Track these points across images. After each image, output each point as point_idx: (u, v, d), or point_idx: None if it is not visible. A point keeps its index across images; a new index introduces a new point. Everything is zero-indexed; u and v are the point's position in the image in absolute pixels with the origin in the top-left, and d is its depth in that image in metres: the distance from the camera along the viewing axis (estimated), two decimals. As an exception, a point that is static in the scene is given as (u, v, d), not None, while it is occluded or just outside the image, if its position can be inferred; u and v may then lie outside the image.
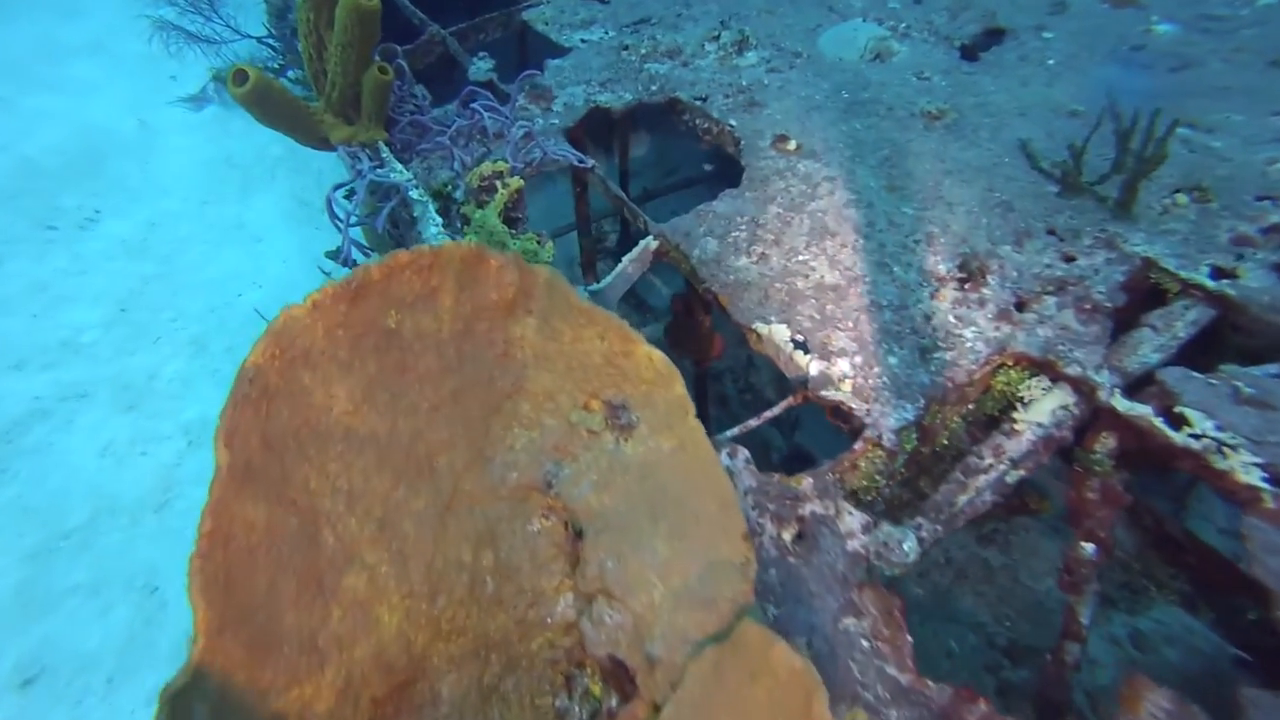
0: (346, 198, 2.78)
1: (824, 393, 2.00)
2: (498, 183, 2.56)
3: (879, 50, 3.44)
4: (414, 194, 2.53)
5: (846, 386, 2.00)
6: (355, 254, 2.71)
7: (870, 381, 2.01)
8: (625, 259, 2.53)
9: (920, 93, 3.16)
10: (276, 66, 5.61)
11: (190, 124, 5.33)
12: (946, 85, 3.19)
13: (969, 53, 3.44)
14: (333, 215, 2.73)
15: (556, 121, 3.17)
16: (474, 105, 2.97)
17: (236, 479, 1.11)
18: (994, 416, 2.12)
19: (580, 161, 2.88)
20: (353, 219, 2.68)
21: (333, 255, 3.14)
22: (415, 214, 2.57)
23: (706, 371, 3.48)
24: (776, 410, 2.21)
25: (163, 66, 5.85)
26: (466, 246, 1.45)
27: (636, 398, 1.60)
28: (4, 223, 4.29)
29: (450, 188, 2.66)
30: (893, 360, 2.06)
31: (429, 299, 1.42)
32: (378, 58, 2.78)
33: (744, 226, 2.59)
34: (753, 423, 2.19)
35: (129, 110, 5.42)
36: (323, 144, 2.92)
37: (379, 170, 2.70)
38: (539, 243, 2.44)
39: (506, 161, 2.68)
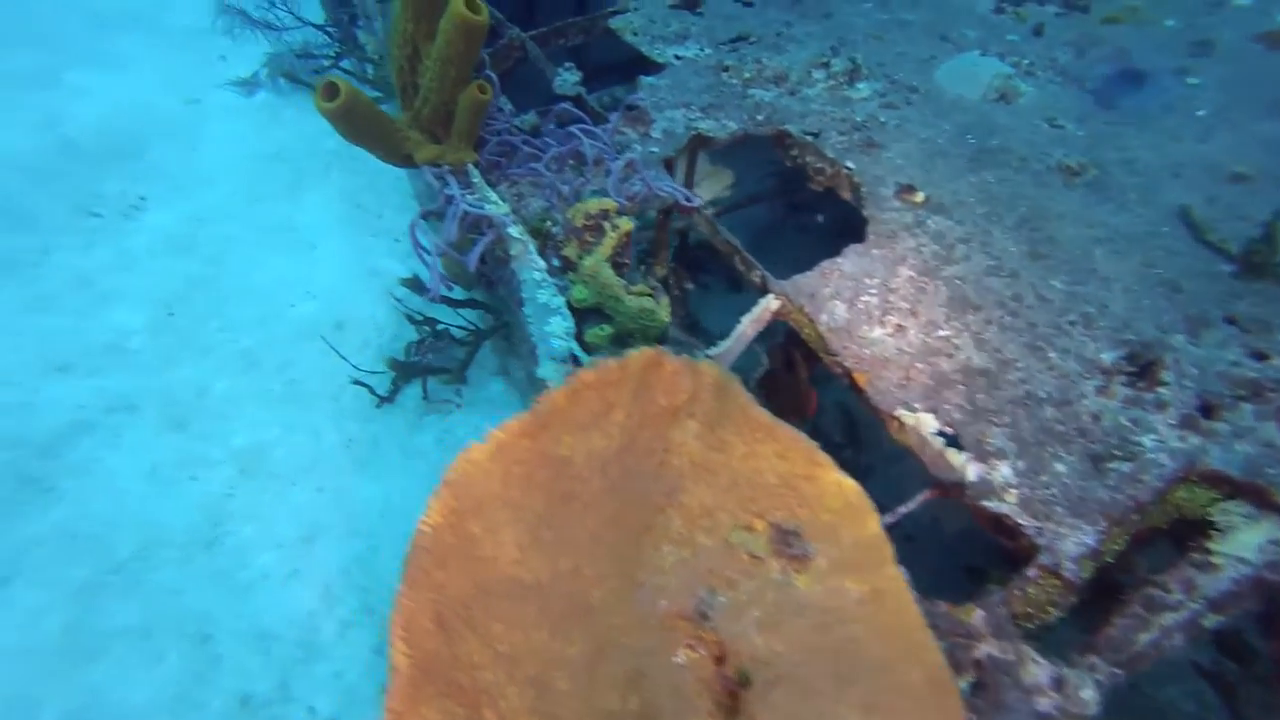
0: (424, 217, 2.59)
1: (985, 503, 1.80)
2: (605, 224, 2.36)
3: (1003, 90, 3.21)
4: (513, 231, 2.34)
5: (1012, 497, 1.80)
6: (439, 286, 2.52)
7: (1038, 493, 1.80)
8: (744, 319, 2.33)
9: (1054, 143, 2.93)
10: (332, 54, 5.43)
11: (240, 110, 5.15)
12: (1083, 135, 2.95)
13: (1103, 97, 3.19)
14: (417, 245, 2.54)
15: (656, 150, 2.96)
16: (573, 129, 2.76)
17: (413, 686, 0.93)
18: (1168, 532, 1.91)
19: (687, 200, 2.67)
20: (438, 251, 2.49)
21: (413, 286, 2.95)
22: (512, 252, 2.37)
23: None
24: (912, 505, 2.01)
25: (212, 45, 5.68)
26: (647, 354, 1.26)
27: (815, 527, 1.40)
28: (46, 208, 4.13)
29: (550, 224, 2.46)
30: (1061, 468, 1.85)
31: (604, 416, 1.22)
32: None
33: (874, 290, 2.38)
34: (887, 519, 1.99)
35: (175, 90, 5.24)
36: (404, 161, 2.73)
37: (471, 198, 2.51)
38: (654, 298, 2.24)
39: (612, 199, 2.48)
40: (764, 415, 1.35)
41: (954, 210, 2.64)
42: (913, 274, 2.42)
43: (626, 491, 1.35)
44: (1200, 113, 3.00)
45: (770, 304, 2.39)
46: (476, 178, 2.59)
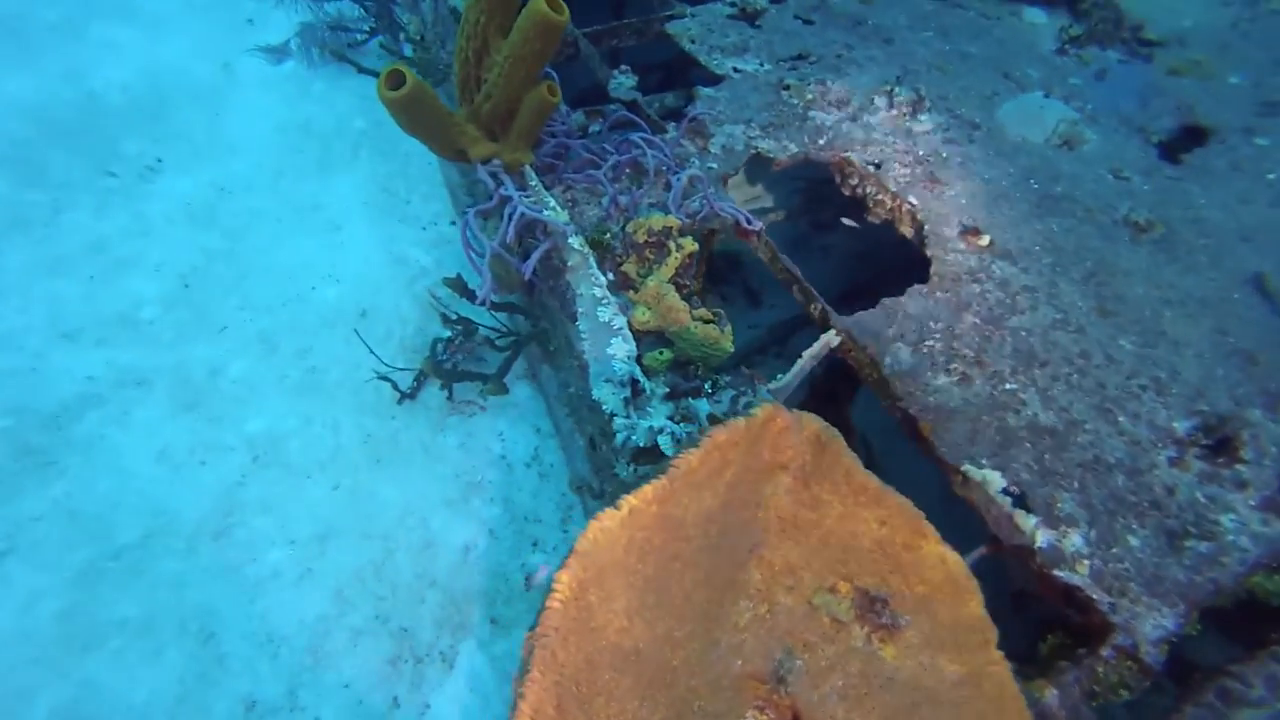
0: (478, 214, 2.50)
1: (1057, 572, 1.74)
2: (669, 243, 2.29)
3: (1068, 136, 3.17)
4: (574, 241, 2.26)
5: (1083, 569, 1.75)
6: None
7: (1111, 566, 1.75)
8: (805, 354, 2.26)
9: (1120, 195, 2.89)
10: (366, 30, 5.32)
11: (267, 78, 5.02)
12: (1150, 190, 2.92)
13: (1169, 151, 3.16)
14: (469, 245, 2.46)
15: (715, 166, 2.89)
16: (634, 137, 2.69)
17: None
18: (1240, 614, 1.86)
19: (749, 222, 2.60)
20: (491, 253, 2.40)
21: (455, 286, 2.86)
22: (569, 263, 2.30)
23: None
24: (968, 561, 1.96)
25: (240, 6, 5.55)
26: (766, 411, 1.19)
27: (908, 598, 1.34)
28: (64, 164, 4.00)
29: (609, 236, 2.38)
30: (1134, 541, 1.80)
31: (718, 474, 1.15)
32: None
33: (939, 335, 2.32)
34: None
35: (200, 52, 5.10)
36: (457, 156, 2.63)
37: (529, 201, 2.43)
38: (717, 322, 2.17)
39: (674, 215, 2.41)
40: (871, 480, 1.29)
41: (1019, 258, 2.59)
42: (978, 321, 2.37)
43: (720, 549, 1.28)
44: (1271, 176, 2.97)
45: (831, 340, 2.32)
46: (534, 180, 2.51)
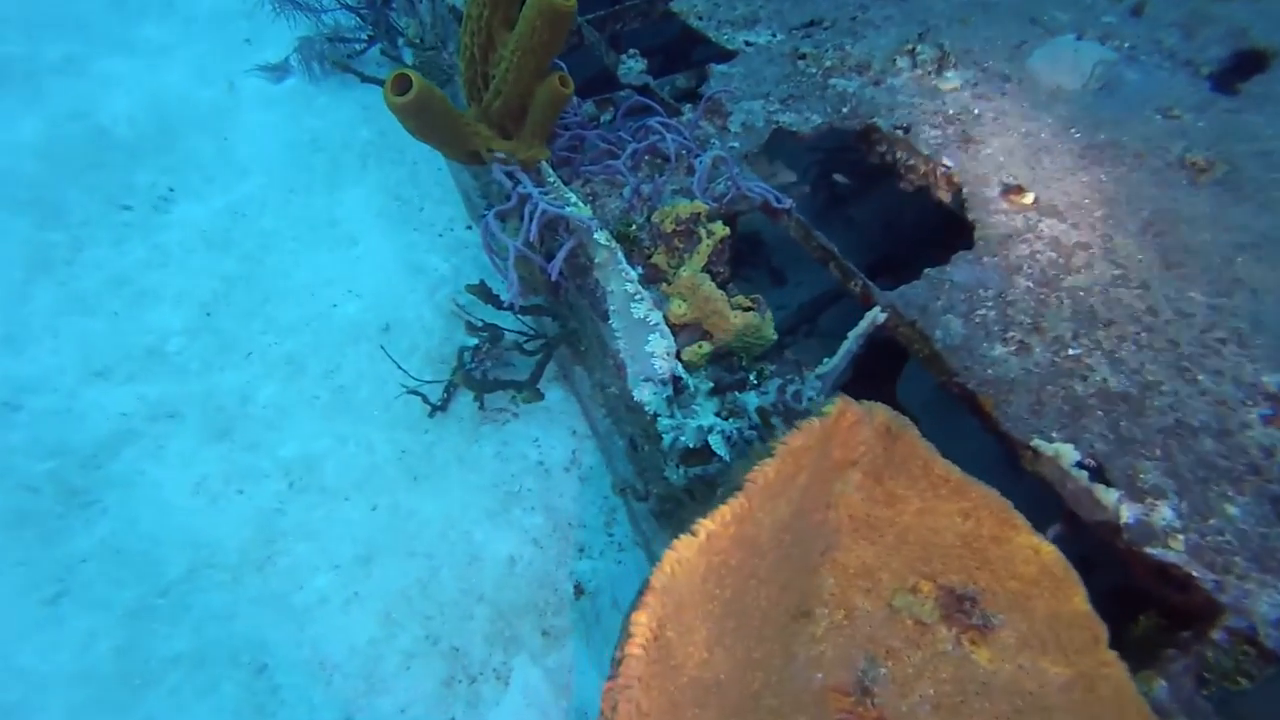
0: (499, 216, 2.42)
1: (1149, 549, 1.62)
2: (698, 229, 2.19)
3: (1106, 78, 2.99)
4: (599, 237, 2.17)
5: (1178, 544, 1.62)
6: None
7: (1211, 539, 1.63)
8: (851, 335, 2.15)
9: (1173, 135, 2.71)
10: (364, 38, 5.26)
11: (270, 97, 5.00)
12: (1205, 126, 2.74)
13: (1222, 82, 2.96)
14: (490, 248, 2.38)
15: (736, 145, 2.78)
16: (651, 121, 2.59)
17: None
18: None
19: (778, 201, 2.49)
20: (515, 254, 2.32)
21: (479, 293, 2.80)
22: (596, 260, 2.21)
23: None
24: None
25: (235, 27, 5.53)
26: (837, 406, 1.09)
27: (999, 595, 1.24)
28: (80, 202, 4.02)
29: (636, 229, 2.29)
30: (1234, 511, 1.67)
31: (791, 481, 1.06)
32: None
33: (990, 303, 2.20)
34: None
35: (202, 77, 5.10)
36: (470, 158, 2.56)
37: (549, 198, 2.34)
38: (757, 309, 2.07)
39: (699, 200, 2.31)
40: (952, 470, 1.19)
41: (1068, 213, 2.44)
42: (1031, 285, 2.24)
43: (794, 559, 1.19)
44: (1336, 101, 2.76)
45: (877, 317, 2.20)
46: (552, 177, 2.42)
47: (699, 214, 2.23)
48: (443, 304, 3.66)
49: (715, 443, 1.69)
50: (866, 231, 4.78)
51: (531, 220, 2.22)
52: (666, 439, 1.78)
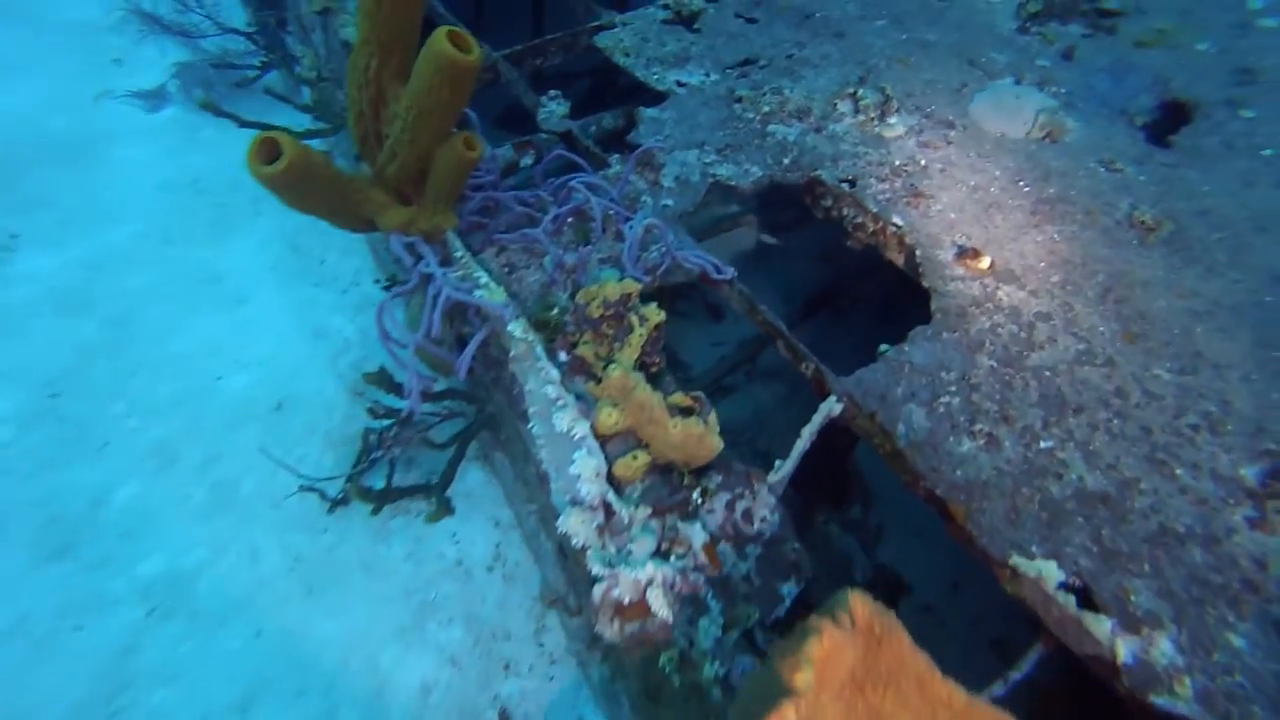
0: (386, 286, 2.10)
1: (1155, 699, 1.45)
2: (633, 316, 1.93)
3: (1050, 126, 2.93)
4: (515, 328, 1.88)
5: (1184, 689, 1.46)
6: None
7: (1220, 681, 1.47)
8: (805, 432, 1.93)
9: (1117, 190, 2.65)
10: (258, 65, 4.80)
11: (145, 128, 4.47)
12: (1146, 181, 2.69)
13: (1156, 133, 2.95)
14: (387, 337, 2.06)
15: (670, 204, 2.55)
16: (574, 181, 2.32)
17: None
18: None
19: (718, 271, 2.27)
20: (405, 347, 2.01)
21: (378, 382, 2.45)
22: (512, 353, 1.92)
23: (844, 517, 2.94)
24: (1027, 668, 1.67)
25: (102, 43, 4.97)
26: (820, 641, 0.84)
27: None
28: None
29: (557, 313, 2.01)
30: (1237, 641, 1.53)
31: None
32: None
33: (954, 388, 2.03)
34: (998, 690, 1.64)
35: (61, 101, 4.52)
36: (365, 227, 2.23)
37: (455, 277, 2.04)
38: (698, 411, 1.82)
39: (630, 275, 2.06)
40: (954, 691, 0.95)
41: (1025, 278, 2.32)
42: (994, 364, 2.08)
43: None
44: (1267, 152, 2.77)
45: (833, 409, 2.00)
46: (460, 250, 2.12)
47: (629, 295, 1.97)
48: (346, 374, 3.27)
49: (654, 599, 1.43)
50: (802, 264, 4.67)
51: (434, 307, 1.92)
52: (596, 590, 1.50)
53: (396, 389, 2.44)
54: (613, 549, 1.64)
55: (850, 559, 3.56)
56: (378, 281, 3.71)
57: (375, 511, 2.05)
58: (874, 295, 4.34)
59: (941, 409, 1.98)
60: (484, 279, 2.01)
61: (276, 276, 3.68)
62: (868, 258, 4.05)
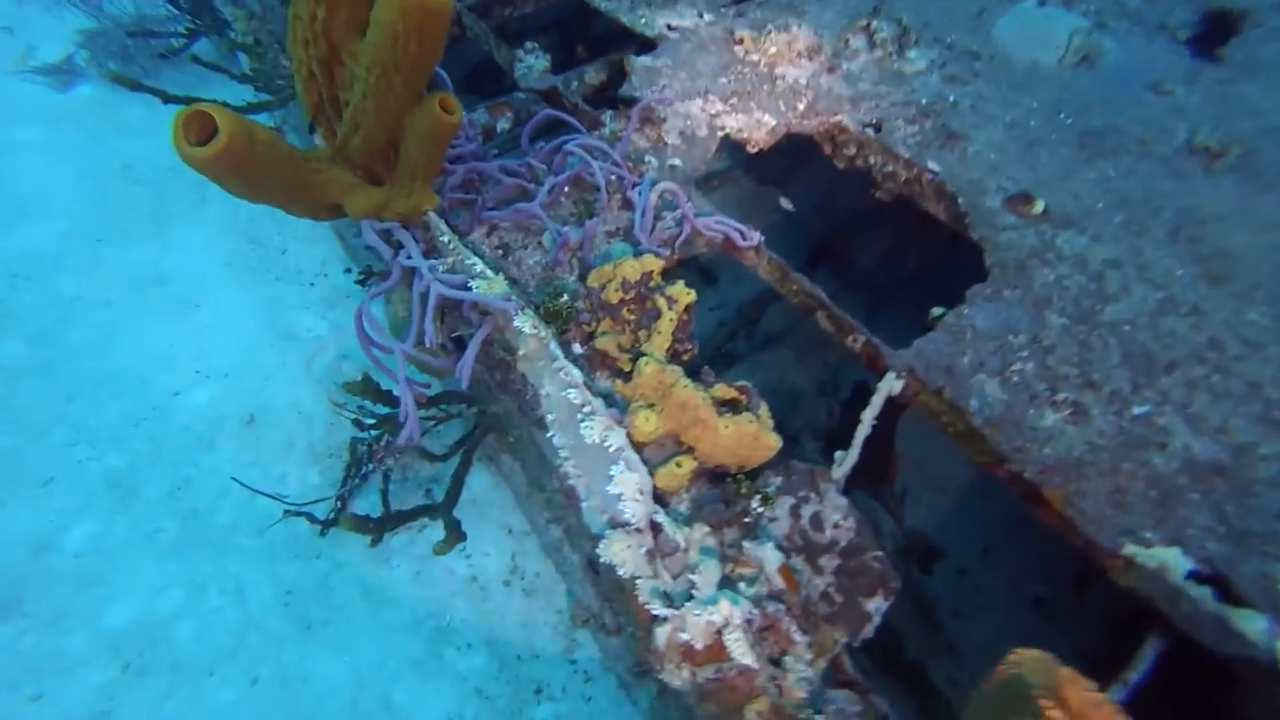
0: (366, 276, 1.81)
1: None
2: (658, 298, 1.66)
3: (1085, 49, 2.66)
4: (522, 323, 1.60)
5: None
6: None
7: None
8: (865, 417, 1.70)
9: (1170, 114, 2.41)
10: (184, 32, 4.31)
11: (54, 111, 3.98)
12: (1200, 102, 2.45)
13: (1202, 48, 2.70)
14: (369, 342, 1.77)
15: (678, 163, 2.26)
16: (570, 144, 2.02)
17: None
18: None
19: (744, 238, 2.00)
20: (391, 352, 1.73)
21: (362, 391, 2.15)
22: (521, 351, 1.64)
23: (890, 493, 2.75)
24: (1144, 669, 1.49)
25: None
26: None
27: None
28: None
29: (569, 303, 1.74)
30: (1395, 627, 1.34)
31: None
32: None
33: (1025, 353, 1.80)
34: (1117, 692, 1.46)
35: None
36: (330, 213, 1.92)
37: (442, 268, 1.75)
38: (746, 404, 1.58)
39: (654, 254, 1.78)
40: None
41: (1084, 221, 2.09)
42: (1066, 321, 1.86)
43: None
44: (1326, 63, 2.54)
45: (893, 387, 1.77)
46: (446, 234, 1.82)
47: (651, 273, 1.70)
48: (324, 378, 2.97)
49: (735, 644, 1.20)
50: (798, 217, 4.38)
51: (425, 310, 1.63)
52: (659, 632, 1.27)
53: (384, 397, 2.16)
54: (667, 576, 1.40)
55: (879, 527, 3.39)
56: (349, 271, 3.37)
57: (375, 543, 1.79)
58: (876, 248, 4.08)
59: (1015, 378, 1.75)
60: (479, 267, 1.72)
61: (232, 273, 3.33)
62: (867, 209, 3.81)
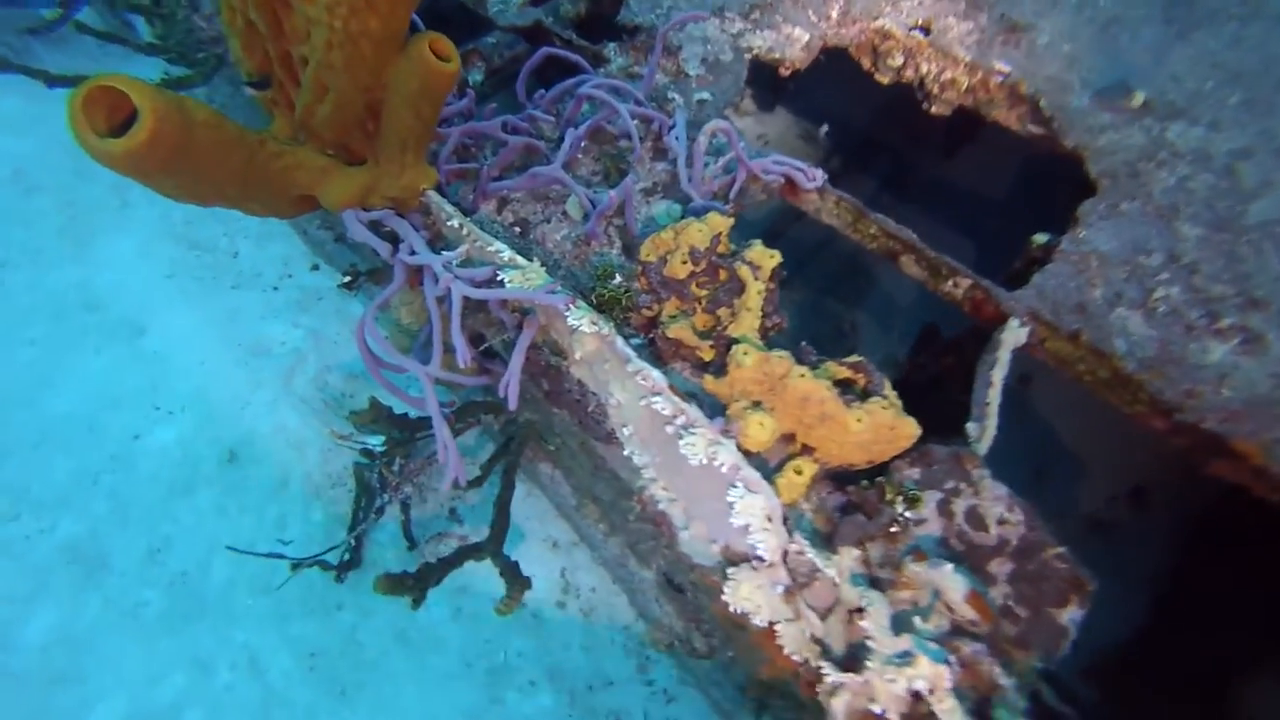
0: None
1: None
2: (739, 265, 1.35)
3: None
4: (578, 319, 1.28)
5: None
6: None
7: None
8: (995, 377, 1.43)
9: (1258, -26, 2.12)
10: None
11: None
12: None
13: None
14: (378, 363, 1.44)
15: (707, 96, 1.91)
16: (589, 86, 1.66)
17: None
18: None
19: (809, 178, 1.69)
20: (403, 370, 1.40)
21: (371, 418, 1.81)
22: (578, 354, 1.33)
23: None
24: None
25: None
26: None
27: None
28: None
29: (624, 290, 1.42)
30: None
31: None
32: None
33: (1166, 275, 1.54)
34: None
35: None
36: (295, 207, 1.55)
37: (453, 262, 1.41)
38: (867, 384, 1.30)
39: (719, 211, 1.46)
40: None
41: (1195, 108, 1.81)
42: (1204, 231, 1.60)
43: None
44: None
45: (1018, 335, 1.50)
46: (453, 216, 1.47)
47: (720, 235, 1.39)
48: (310, 395, 2.62)
49: (947, 713, 0.94)
50: (809, 133, 3.95)
51: (453, 320, 1.30)
52: (836, 704, 1.01)
53: (396, 422, 1.82)
54: (814, 618, 1.14)
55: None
56: (316, 268, 2.98)
57: (417, 604, 1.51)
58: (882, 166, 3.69)
59: (1162, 308, 1.50)
60: (505, 253, 1.38)
61: (177, 286, 2.91)
62: (886, 118, 3.46)
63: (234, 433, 2.52)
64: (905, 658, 0.98)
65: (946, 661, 0.98)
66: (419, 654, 2.11)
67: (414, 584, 1.49)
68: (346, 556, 2.22)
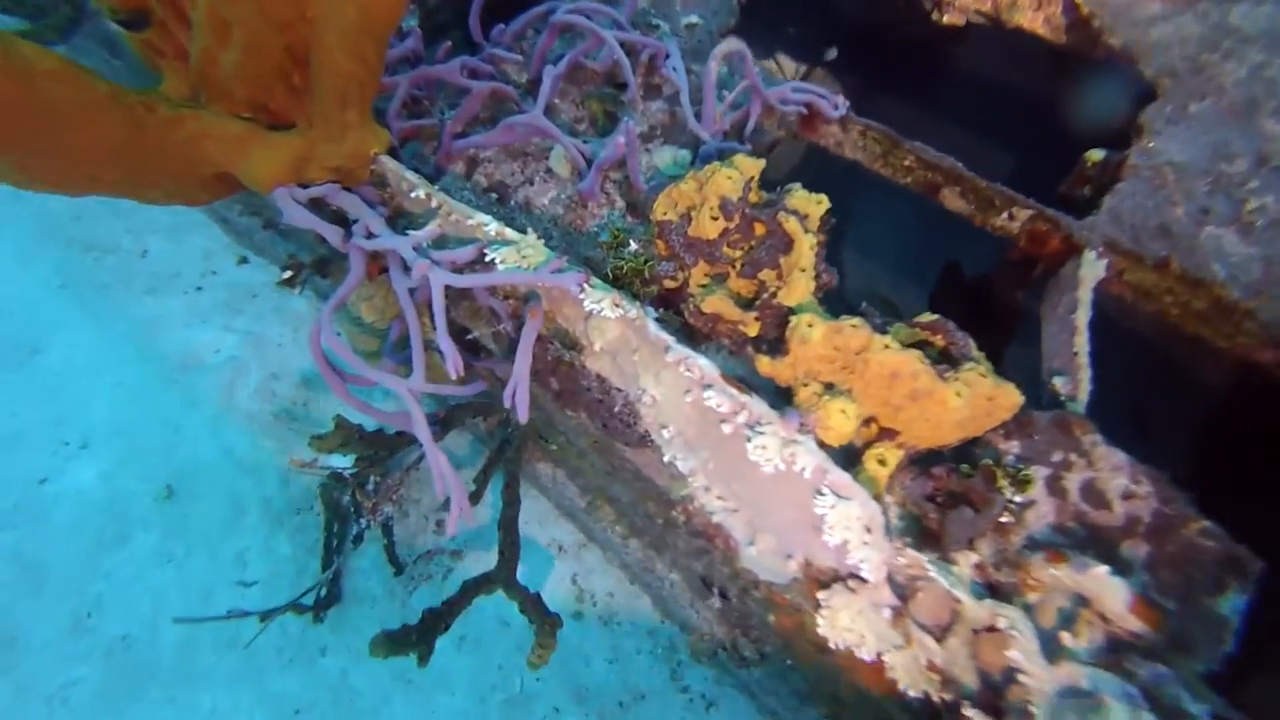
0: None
1: None
2: (781, 216, 1.11)
3: None
4: (597, 302, 1.03)
5: None
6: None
7: None
8: (1080, 322, 1.24)
9: None
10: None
11: None
12: None
13: None
14: (337, 375, 1.17)
15: (697, 20, 1.63)
16: (560, 14, 1.37)
17: None
18: None
19: (835, 107, 1.44)
20: (370, 382, 1.14)
21: (336, 443, 1.52)
22: (596, 345, 1.08)
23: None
24: None
25: None
26: None
27: None
28: None
29: (644, 259, 1.16)
30: None
31: None
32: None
33: (1256, 182, 1.36)
34: None
35: None
36: (208, 189, 1.23)
37: (426, 245, 1.13)
38: (950, 344, 1.08)
39: (745, 153, 1.21)
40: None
41: (1246, -8, 1.62)
42: (1282, 130, 1.42)
43: None
44: None
45: (1097, 269, 1.31)
46: (418, 185, 1.18)
47: (752, 181, 1.14)
48: (257, 410, 2.30)
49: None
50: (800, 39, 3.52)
51: (438, 319, 1.03)
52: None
53: (370, 440, 1.55)
54: (929, 642, 0.95)
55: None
56: (244, 261, 2.61)
57: (424, 660, 1.27)
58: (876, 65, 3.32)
59: (1260, 220, 1.32)
60: (491, 226, 1.11)
61: (74, 296, 2.52)
62: (880, 15, 3.06)
63: (168, 464, 2.19)
64: (1081, 699, 0.79)
65: (1130, 698, 0.79)
66: (424, 695, 1.88)
67: (418, 638, 1.25)
68: (320, 593, 1.96)
